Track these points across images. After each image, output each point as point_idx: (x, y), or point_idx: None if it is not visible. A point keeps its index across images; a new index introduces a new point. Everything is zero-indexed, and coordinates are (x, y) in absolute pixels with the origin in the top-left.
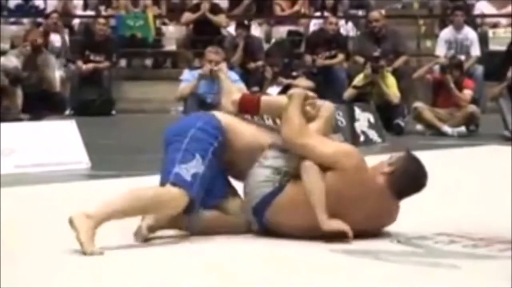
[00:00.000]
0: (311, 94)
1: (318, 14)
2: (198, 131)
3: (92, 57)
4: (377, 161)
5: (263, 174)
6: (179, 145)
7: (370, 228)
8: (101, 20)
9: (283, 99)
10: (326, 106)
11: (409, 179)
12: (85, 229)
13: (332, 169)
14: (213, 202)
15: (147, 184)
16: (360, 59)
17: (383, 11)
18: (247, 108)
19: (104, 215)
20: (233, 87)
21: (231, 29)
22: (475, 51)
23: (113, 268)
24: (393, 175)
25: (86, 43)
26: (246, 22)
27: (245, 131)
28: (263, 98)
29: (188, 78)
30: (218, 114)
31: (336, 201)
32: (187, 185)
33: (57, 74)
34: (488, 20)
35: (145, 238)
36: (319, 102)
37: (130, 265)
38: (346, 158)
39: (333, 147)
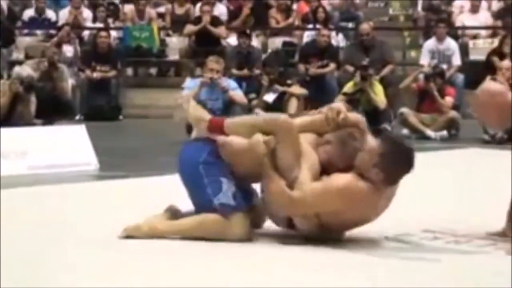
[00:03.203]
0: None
1: (310, 26)
2: (205, 164)
3: (98, 67)
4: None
5: None
6: (200, 181)
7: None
8: (103, 33)
9: (247, 119)
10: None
11: (400, 165)
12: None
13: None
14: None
15: (155, 186)
16: (350, 68)
17: (371, 23)
18: (216, 132)
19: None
20: (203, 114)
21: (231, 40)
22: (457, 60)
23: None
24: (382, 176)
25: (92, 54)
26: (248, 31)
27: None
28: (226, 122)
29: (190, 85)
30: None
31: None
32: (236, 207)
33: (69, 82)
34: (469, 31)
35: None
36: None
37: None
38: (345, 187)
39: (328, 183)
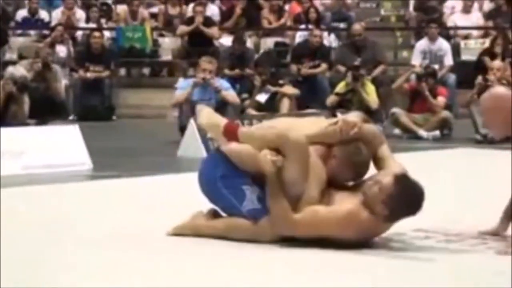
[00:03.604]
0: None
1: (302, 26)
2: (224, 178)
3: (91, 68)
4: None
5: None
6: (222, 195)
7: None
8: (96, 33)
9: (259, 131)
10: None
11: (406, 209)
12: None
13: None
14: None
15: (148, 186)
16: (342, 68)
17: (363, 23)
18: (232, 138)
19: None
20: (217, 119)
21: (223, 40)
22: (448, 60)
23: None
24: (386, 213)
25: (85, 54)
26: (242, 35)
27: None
28: (240, 130)
29: (183, 86)
30: (219, 148)
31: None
32: (264, 210)
33: (62, 83)
34: (460, 32)
35: None
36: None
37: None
38: (345, 216)
39: (327, 211)
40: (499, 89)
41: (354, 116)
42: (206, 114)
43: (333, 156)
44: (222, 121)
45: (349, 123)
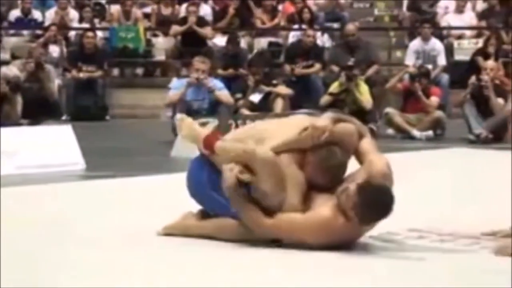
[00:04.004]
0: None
1: (296, 26)
2: (210, 182)
3: (84, 68)
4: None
5: None
6: (210, 197)
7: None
8: (89, 34)
9: (231, 146)
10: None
11: (375, 213)
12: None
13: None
14: None
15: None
16: (335, 68)
17: (357, 23)
18: (211, 150)
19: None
20: (197, 131)
21: (217, 40)
22: (442, 60)
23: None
24: (357, 219)
25: (78, 54)
26: (236, 36)
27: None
28: (217, 145)
29: (177, 86)
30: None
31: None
32: None
33: (55, 83)
34: (454, 32)
35: None
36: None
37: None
38: (319, 225)
39: (304, 218)
40: None
41: (324, 119)
42: (187, 125)
43: (307, 162)
44: (202, 133)
45: (318, 128)
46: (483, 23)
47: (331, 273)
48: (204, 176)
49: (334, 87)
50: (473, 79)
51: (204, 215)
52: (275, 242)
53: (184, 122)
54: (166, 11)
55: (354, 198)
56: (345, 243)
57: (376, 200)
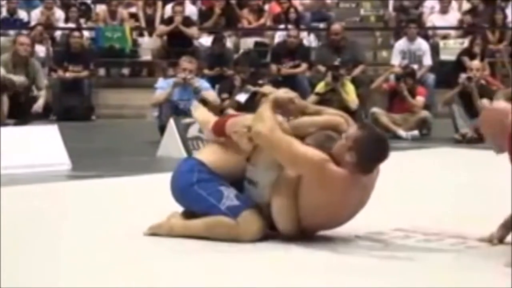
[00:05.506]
0: (292, 95)
1: (282, 26)
2: (199, 183)
3: (70, 68)
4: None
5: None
6: (200, 197)
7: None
8: (76, 33)
9: (247, 118)
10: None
11: (374, 151)
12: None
13: (303, 177)
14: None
15: (128, 186)
16: (322, 68)
17: (343, 23)
18: (219, 133)
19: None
20: (209, 117)
21: (203, 40)
22: (427, 60)
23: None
24: (356, 159)
25: (65, 54)
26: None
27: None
28: (229, 121)
29: (163, 86)
30: (196, 155)
31: (311, 205)
32: (242, 205)
33: (43, 77)
34: (439, 32)
35: None
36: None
37: None
38: (316, 159)
39: (305, 147)
40: (498, 104)
41: (285, 92)
42: (201, 110)
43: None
44: (212, 118)
45: (284, 98)
46: (469, 21)
47: (319, 273)
48: (194, 178)
49: (320, 87)
50: (463, 77)
51: (190, 215)
52: (272, 229)
53: (200, 107)
54: (150, 10)
55: (356, 134)
56: (345, 201)
57: (378, 135)
